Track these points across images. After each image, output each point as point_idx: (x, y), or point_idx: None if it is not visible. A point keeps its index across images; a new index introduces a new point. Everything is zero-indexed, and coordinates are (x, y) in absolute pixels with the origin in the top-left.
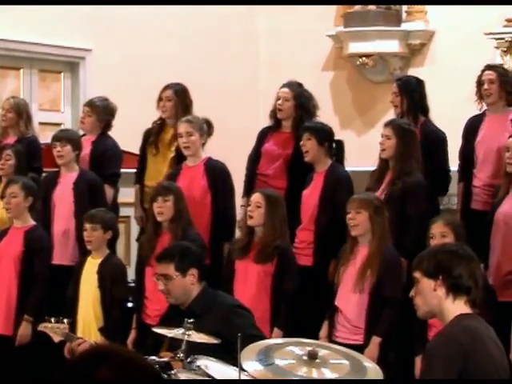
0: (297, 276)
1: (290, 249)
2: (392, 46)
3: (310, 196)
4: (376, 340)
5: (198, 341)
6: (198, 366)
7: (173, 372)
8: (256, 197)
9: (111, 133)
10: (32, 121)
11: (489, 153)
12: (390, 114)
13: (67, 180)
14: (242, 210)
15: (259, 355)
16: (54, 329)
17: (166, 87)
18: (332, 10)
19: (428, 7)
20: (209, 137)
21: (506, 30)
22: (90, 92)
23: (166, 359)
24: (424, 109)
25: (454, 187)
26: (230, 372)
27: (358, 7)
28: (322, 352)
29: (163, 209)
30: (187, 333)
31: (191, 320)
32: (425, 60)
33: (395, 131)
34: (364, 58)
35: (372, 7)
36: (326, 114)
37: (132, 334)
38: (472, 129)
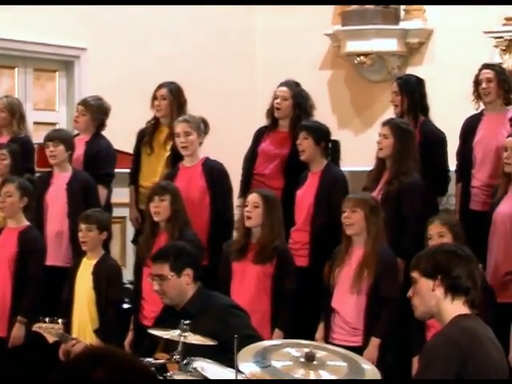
0: (295, 276)
1: (288, 249)
2: (390, 44)
3: (305, 196)
4: (375, 341)
5: (195, 342)
6: (195, 368)
7: (169, 374)
8: (253, 197)
9: (106, 132)
10: (25, 120)
11: (487, 153)
12: (388, 114)
13: (60, 180)
14: (238, 210)
15: (256, 357)
16: (49, 329)
17: (161, 86)
18: (330, 8)
19: (426, 5)
20: (204, 136)
21: (505, 29)
22: (85, 91)
23: (162, 361)
24: (424, 108)
25: (452, 187)
26: (227, 374)
27: (355, 5)
28: (319, 354)
29: (159, 208)
30: (183, 334)
31: (187, 321)
32: (423, 59)
33: (393, 130)
34: (362, 57)
35: (370, 5)
36: (323, 114)
37: (129, 336)
38: (470, 129)
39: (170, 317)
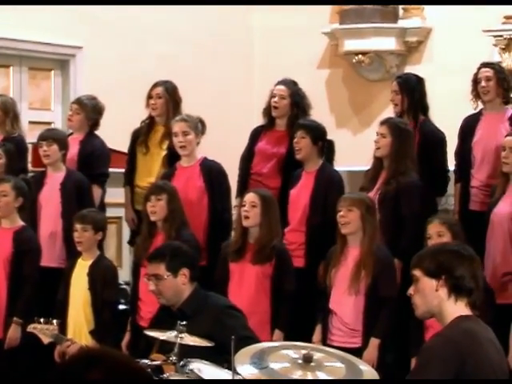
0: (294, 277)
1: (286, 249)
2: (388, 43)
3: (300, 196)
4: (375, 342)
5: (191, 344)
6: (191, 370)
7: (165, 375)
8: (251, 197)
9: (102, 131)
10: (19, 120)
11: (487, 152)
12: (387, 113)
13: (54, 180)
14: (235, 210)
15: (253, 358)
16: (43, 330)
17: (156, 84)
18: (327, 6)
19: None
20: (201, 136)
21: (504, 28)
22: (81, 90)
23: (158, 362)
24: (424, 107)
25: (451, 188)
26: (224, 375)
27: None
28: (317, 355)
29: (156, 208)
30: (180, 335)
31: (184, 322)
32: (422, 57)
33: (391, 130)
34: (360, 56)
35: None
36: (321, 113)
37: (126, 337)
38: (468, 128)
39: (166, 317)
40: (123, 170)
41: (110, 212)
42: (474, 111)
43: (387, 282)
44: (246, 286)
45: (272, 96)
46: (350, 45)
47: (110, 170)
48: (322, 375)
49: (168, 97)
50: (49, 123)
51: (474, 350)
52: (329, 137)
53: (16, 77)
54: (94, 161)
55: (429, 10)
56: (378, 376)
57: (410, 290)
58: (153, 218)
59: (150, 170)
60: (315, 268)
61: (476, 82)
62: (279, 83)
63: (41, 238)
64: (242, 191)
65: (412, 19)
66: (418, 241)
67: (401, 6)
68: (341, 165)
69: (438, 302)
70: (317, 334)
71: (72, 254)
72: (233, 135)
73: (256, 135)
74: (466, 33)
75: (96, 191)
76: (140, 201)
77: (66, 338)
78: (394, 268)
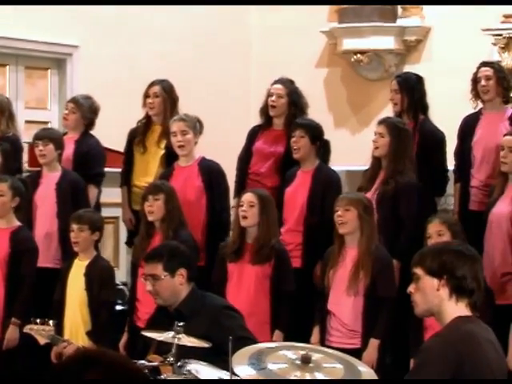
0: (293, 277)
1: (285, 249)
2: (387, 42)
3: (296, 195)
4: (374, 343)
5: (189, 345)
6: (189, 371)
7: (162, 376)
8: (248, 196)
9: (99, 130)
10: (15, 119)
11: (487, 152)
12: (385, 112)
13: (49, 180)
14: (233, 211)
15: (251, 359)
16: (40, 331)
17: (153, 83)
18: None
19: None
20: (199, 136)
21: (503, 27)
22: (78, 89)
23: (155, 363)
24: (423, 107)
25: (450, 188)
26: (222, 377)
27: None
28: (315, 356)
29: (153, 208)
30: (177, 336)
31: (181, 323)
32: (421, 57)
33: (389, 129)
34: (359, 55)
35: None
36: (319, 112)
37: (124, 337)
38: (468, 128)
39: (163, 318)
40: (119, 170)
41: (107, 212)
42: (473, 111)
43: (386, 282)
44: (246, 287)
45: (269, 95)
46: (349, 44)
47: (107, 169)
48: (320, 376)
49: (165, 95)
50: (45, 122)
51: (472, 351)
52: (327, 136)
53: (12, 76)
54: (89, 160)
55: (428, 9)
56: (376, 377)
57: (411, 288)
58: (150, 218)
59: (147, 170)
60: (312, 268)
61: (475, 81)
62: (276, 82)
63: (36, 238)
64: (239, 191)
65: (411, 18)
66: (416, 241)
67: (399, 6)
68: (339, 164)
69: (439, 302)
70: (315, 335)
71: (67, 254)
72: (230, 134)
73: (253, 135)
74: (466, 32)
75: (92, 191)
76: (138, 201)
77: (63, 339)
78: (392, 268)
